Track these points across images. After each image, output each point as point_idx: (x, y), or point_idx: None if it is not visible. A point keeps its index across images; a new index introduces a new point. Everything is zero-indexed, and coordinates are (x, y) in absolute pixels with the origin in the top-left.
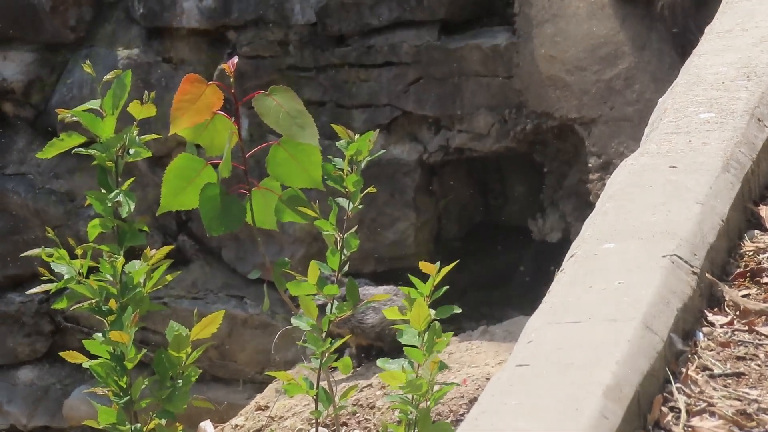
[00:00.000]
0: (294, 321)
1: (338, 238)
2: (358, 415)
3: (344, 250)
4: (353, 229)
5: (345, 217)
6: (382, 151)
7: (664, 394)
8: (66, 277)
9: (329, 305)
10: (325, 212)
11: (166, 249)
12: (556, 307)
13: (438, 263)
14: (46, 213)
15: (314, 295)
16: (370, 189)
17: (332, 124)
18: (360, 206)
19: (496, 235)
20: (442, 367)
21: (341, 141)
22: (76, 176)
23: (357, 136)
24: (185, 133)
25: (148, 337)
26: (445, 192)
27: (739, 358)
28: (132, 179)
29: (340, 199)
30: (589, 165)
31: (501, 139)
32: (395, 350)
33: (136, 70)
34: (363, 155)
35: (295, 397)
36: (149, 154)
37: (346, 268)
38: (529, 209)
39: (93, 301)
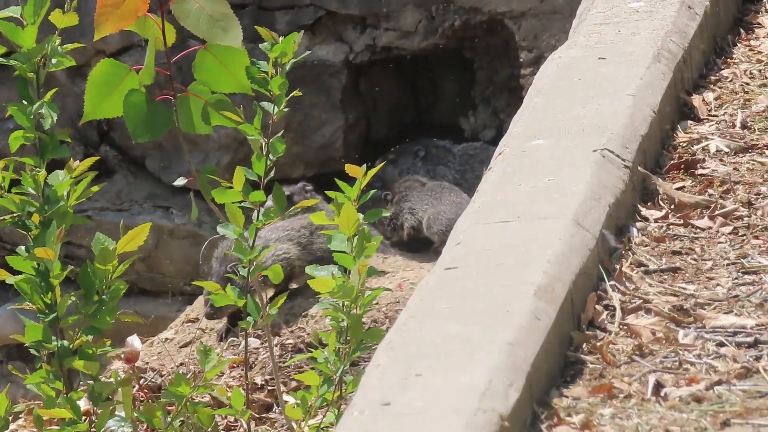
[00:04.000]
0: (220, 229)
1: (263, 143)
2: (290, 323)
3: (270, 155)
4: (279, 134)
5: (270, 122)
6: (307, 52)
7: (598, 292)
8: None
9: (256, 212)
10: (250, 117)
11: (91, 160)
12: (484, 207)
13: (364, 166)
14: None
15: (240, 201)
16: (296, 92)
17: (256, 26)
18: (285, 110)
19: (428, 135)
20: (372, 271)
21: (265, 43)
22: None
23: (281, 38)
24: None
25: (73, 251)
26: (374, 93)
27: (674, 253)
28: (54, 90)
29: (264, 103)
30: (521, 60)
31: (429, 36)
32: None
33: None
34: (288, 57)
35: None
36: (73, 63)
37: (272, 173)
38: (461, 107)
39: (15, 215)
